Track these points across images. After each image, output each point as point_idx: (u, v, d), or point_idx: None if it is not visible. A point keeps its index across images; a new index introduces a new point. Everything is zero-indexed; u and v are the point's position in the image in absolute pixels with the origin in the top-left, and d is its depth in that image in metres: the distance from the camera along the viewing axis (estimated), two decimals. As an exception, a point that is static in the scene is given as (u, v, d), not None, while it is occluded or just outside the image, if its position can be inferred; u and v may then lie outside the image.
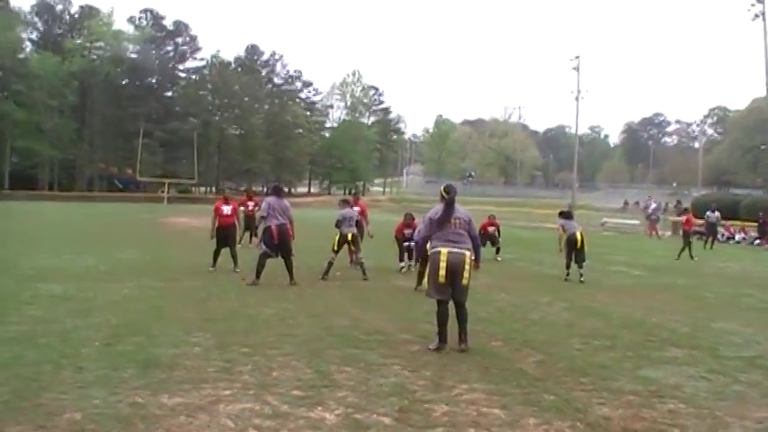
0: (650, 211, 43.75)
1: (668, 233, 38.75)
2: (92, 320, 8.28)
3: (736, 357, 7.49)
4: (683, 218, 24.68)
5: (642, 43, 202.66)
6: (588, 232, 15.69)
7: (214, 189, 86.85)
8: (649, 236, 36.35)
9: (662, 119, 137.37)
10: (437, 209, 7.48)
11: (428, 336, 7.77)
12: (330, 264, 13.17)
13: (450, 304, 7.35)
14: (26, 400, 5.10)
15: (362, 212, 15.66)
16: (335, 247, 13.34)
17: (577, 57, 64.66)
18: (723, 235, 34.65)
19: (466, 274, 7.24)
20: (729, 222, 35.55)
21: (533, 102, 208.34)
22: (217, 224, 13.99)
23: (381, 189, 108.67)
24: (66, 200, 57.99)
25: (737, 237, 34.97)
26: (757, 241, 33.17)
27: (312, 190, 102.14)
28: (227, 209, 14.13)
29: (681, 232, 24.83)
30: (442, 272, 7.17)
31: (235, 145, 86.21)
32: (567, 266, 14.42)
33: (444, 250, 7.24)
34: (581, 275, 14.05)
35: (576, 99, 64.02)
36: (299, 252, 12.92)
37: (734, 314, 10.70)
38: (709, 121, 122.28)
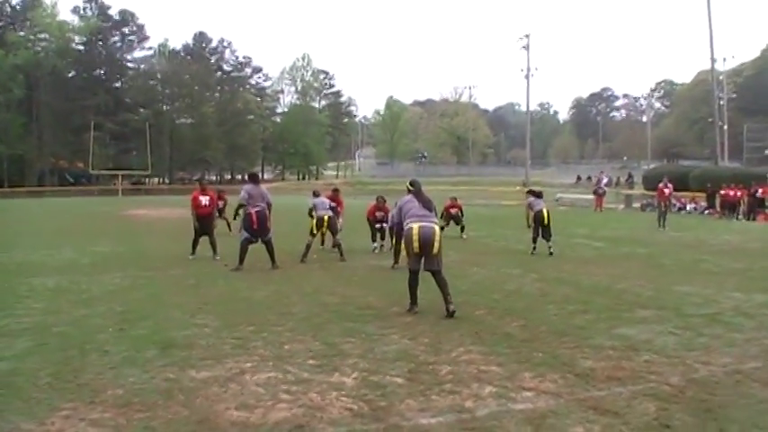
0: (601, 185, 44.84)
1: (621, 206, 39.95)
2: (96, 309, 8.70)
3: (698, 315, 8.28)
4: (660, 190, 25.57)
5: (589, 19, 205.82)
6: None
7: (167, 180, 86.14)
8: (595, 209, 37.41)
9: (610, 93, 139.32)
10: (407, 199, 8.65)
11: (416, 310, 8.42)
12: (308, 246, 13.73)
13: (429, 276, 8.37)
14: (68, 382, 5.57)
15: (339, 206, 16.19)
16: (313, 231, 13.89)
17: (527, 35, 65.55)
18: (675, 206, 35.92)
19: (436, 245, 8.23)
20: (680, 194, 36.78)
21: (483, 81, 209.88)
22: (196, 213, 14.30)
23: (335, 173, 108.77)
24: (16, 196, 57.10)
25: (689, 207, 36.17)
26: (707, 211, 34.42)
27: (266, 176, 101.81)
28: (204, 199, 14.39)
29: (656, 204, 25.56)
30: (416, 243, 8.21)
31: (187, 134, 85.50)
32: (534, 240, 15.19)
33: (416, 225, 8.26)
34: (549, 248, 14.84)
35: (527, 77, 64.89)
36: (279, 238, 13.39)
37: (693, 278, 11.53)
38: (657, 94, 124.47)
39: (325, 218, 13.94)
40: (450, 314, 7.97)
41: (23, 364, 6.10)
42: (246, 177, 13.54)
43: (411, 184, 8.89)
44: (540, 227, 15.10)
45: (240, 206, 12.68)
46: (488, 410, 4.87)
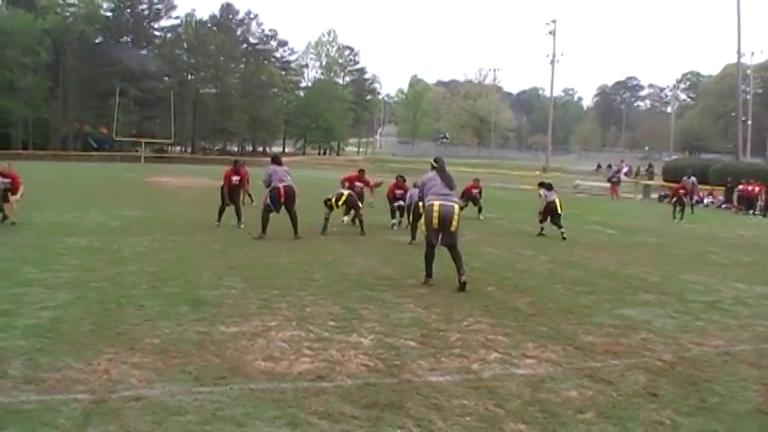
0: (620, 174, 44.73)
1: (639, 196, 40.04)
2: (129, 268, 9.27)
3: (698, 301, 8.72)
4: (680, 186, 25.93)
5: (617, 7, 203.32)
6: (561, 194, 16.93)
7: (190, 149, 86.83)
8: (611, 198, 37.49)
9: (635, 83, 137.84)
10: (430, 175, 9.07)
11: (431, 282, 8.96)
12: (326, 220, 14.27)
13: (444, 253, 8.86)
14: (108, 330, 6.11)
15: (367, 184, 17.48)
16: (334, 206, 14.38)
17: (553, 21, 65.59)
18: (693, 198, 36.05)
19: (455, 223, 8.69)
20: (699, 186, 36.88)
21: (508, 64, 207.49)
22: (227, 187, 15.06)
23: (356, 149, 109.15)
24: (40, 159, 57.93)
25: (706, 200, 36.07)
26: (724, 205, 34.47)
27: (287, 149, 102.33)
28: (235, 178, 15.18)
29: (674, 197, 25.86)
30: (435, 220, 8.69)
31: (210, 104, 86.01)
32: (541, 222, 15.91)
33: (437, 203, 8.71)
34: (562, 234, 15.26)
35: (552, 63, 65.14)
36: (300, 210, 13.90)
37: (699, 268, 11.93)
38: (682, 86, 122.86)
39: (345, 194, 14.42)
40: (462, 285, 8.49)
41: (66, 313, 6.66)
42: (270, 159, 14.19)
43: (435, 161, 9.26)
44: (552, 215, 15.58)
45: (267, 182, 13.26)
46: (492, 373, 5.36)
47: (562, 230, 15.32)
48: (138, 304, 7.13)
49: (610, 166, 58.88)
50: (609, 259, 12.41)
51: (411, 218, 13.30)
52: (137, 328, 6.23)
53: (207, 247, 11.70)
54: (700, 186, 35.76)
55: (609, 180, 41.06)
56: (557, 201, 15.74)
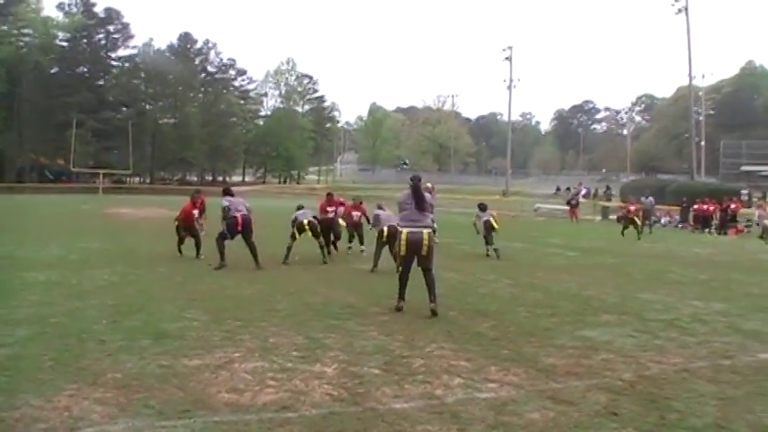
0: (579, 196, 45.40)
1: (598, 218, 40.66)
2: (89, 302, 9.16)
3: (657, 320, 8.91)
4: (628, 205, 26.69)
5: (573, 32, 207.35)
6: (522, 218, 17.25)
7: (148, 179, 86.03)
8: (570, 220, 37.97)
9: (591, 106, 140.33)
10: (404, 197, 9.11)
11: (402, 305, 9.06)
12: (289, 249, 14.24)
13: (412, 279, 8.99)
14: (69, 366, 6.04)
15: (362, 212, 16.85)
16: (295, 235, 14.35)
17: (509, 47, 66.66)
18: (651, 219, 36.66)
19: (424, 247, 8.75)
20: (656, 206, 37.54)
21: (466, 90, 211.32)
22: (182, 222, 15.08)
23: (317, 177, 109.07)
24: (-5, 191, 56.96)
25: (663, 220, 36.91)
26: (681, 224, 35.23)
27: (247, 179, 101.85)
28: (195, 212, 15.15)
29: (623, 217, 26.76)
30: (403, 248, 8.79)
31: (169, 134, 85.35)
32: (486, 243, 16.63)
33: (405, 231, 8.83)
34: (494, 251, 16.17)
35: (509, 88, 66.08)
36: (261, 240, 13.88)
37: (658, 287, 12.17)
38: (637, 108, 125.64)
39: (305, 222, 14.40)
40: (433, 313, 8.56)
41: (26, 350, 6.57)
42: (223, 191, 14.29)
43: (411, 179, 9.31)
44: (488, 233, 16.48)
45: (225, 210, 13.32)
46: (456, 398, 5.43)
47: (493, 248, 16.19)
48: (98, 339, 7.06)
49: (569, 189, 59.79)
50: (570, 281, 12.60)
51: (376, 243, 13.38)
52: (98, 362, 6.17)
53: (168, 279, 11.62)
54: (657, 206, 36.46)
55: (568, 203, 41.60)
56: (491, 220, 16.63)
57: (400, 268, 8.99)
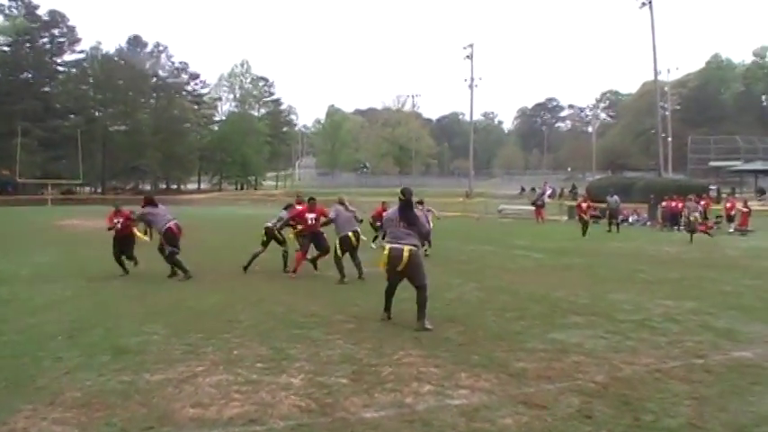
0: (544, 197, 45.83)
1: (564, 218, 41.04)
2: (43, 318, 9.03)
3: (628, 320, 9.07)
4: (579, 202, 27.22)
5: (535, 29, 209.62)
6: (486, 219, 17.39)
7: (100, 189, 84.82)
8: (536, 221, 38.20)
9: (555, 104, 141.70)
10: (391, 213, 9.04)
11: (360, 316, 9.15)
12: (254, 256, 14.14)
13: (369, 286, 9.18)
14: (24, 386, 5.95)
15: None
16: (264, 241, 14.29)
17: (471, 45, 67.22)
18: (618, 218, 37.03)
19: (403, 263, 8.56)
20: (623, 205, 37.75)
21: (427, 90, 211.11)
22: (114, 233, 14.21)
23: (274, 183, 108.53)
24: (-63, 205, 55.66)
25: (631, 218, 37.05)
26: (649, 222, 35.55)
27: (202, 186, 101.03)
28: (116, 220, 14.16)
29: (577, 216, 27.42)
30: (383, 264, 8.74)
31: (120, 142, 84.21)
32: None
33: (387, 246, 8.74)
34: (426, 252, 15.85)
35: (470, 87, 66.62)
36: (214, 250, 13.80)
37: (627, 287, 12.36)
38: (602, 105, 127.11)
39: (265, 228, 14.35)
40: (420, 329, 8.29)
41: (-24, 371, 6.44)
42: (145, 200, 13.98)
43: (402, 193, 8.94)
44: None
45: (149, 222, 13.70)
46: (427, 405, 5.47)
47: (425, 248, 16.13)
48: (55, 356, 6.97)
49: (534, 189, 60.38)
50: (538, 283, 12.74)
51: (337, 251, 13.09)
52: (56, 381, 6.09)
53: (125, 292, 11.49)
54: (624, 205, 36.85)
55: (533, 203, 41.89)
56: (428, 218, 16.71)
57: (387, 279, 8.97)
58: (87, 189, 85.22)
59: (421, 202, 16.07)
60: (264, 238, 14.27)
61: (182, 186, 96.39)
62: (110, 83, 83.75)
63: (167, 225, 13.10)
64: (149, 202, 13.84)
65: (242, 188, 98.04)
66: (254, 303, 10.28)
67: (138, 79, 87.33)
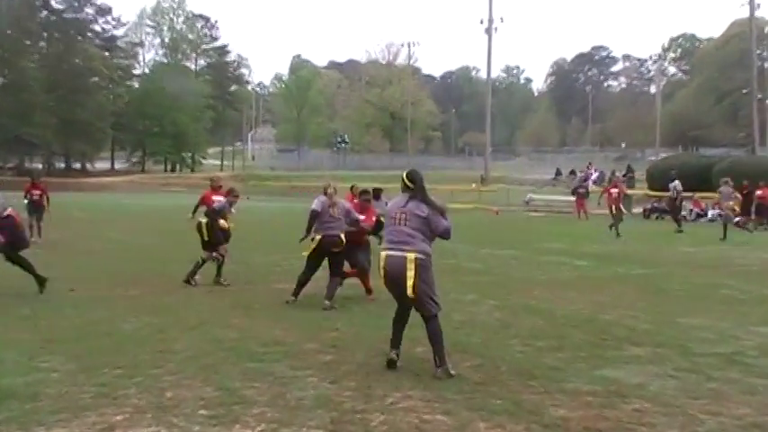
0: (588, 183, 45.61)
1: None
2: None
3: (709, 354, 9.09)
4: (608, 188, 27.69)
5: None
6: (509, 213, 17.45)
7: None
8: (577, 216, 38.33)
9: (605, 54, 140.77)
10: (394, 204, 8.59)
11: (338, 345, 9.19)
12: (198, 264, 14.20)
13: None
14: None
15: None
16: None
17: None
18: (691, 211, 37.00)
19: (409, 282, 7.98)
20: (699, 195, 37.64)
21: (427, 37, 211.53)
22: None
23: (218, 162, 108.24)
24: None
25: (711, 213, 37.02)
26: (737, 219, 32.68)
27: (117, 166, 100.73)
28: (36, 193, 15.21)
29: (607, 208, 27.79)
30: (382, 279, 8.41)
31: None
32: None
33: (383, 254, 8.35)
34: None
35: (488, 32, 66.30)
36: (137, 255, 13.78)
37: (705, 307, 12.47)
38: (671, 55, 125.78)
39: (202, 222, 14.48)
40: (442, 375, 7.97)
41: None
42: None
43: (410, 178, 8.41)
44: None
45: None
46: (434, 470, 5.51)
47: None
48: None
49: (573, 173, 60.28)
50: (579, 301, 12.88)
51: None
52: None
53: (8, 311, 11.43)
54: (700, 195, 36.47)
55: (573, 191, 41.86)
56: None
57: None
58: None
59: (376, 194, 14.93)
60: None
61: (88, 165, 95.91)
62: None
63: (8, 212, 12.98)
64: None
65: (174, 169, 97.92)
66: (195, 327, 10.32)
67: (21, 12, 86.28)
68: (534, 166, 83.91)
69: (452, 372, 7.94)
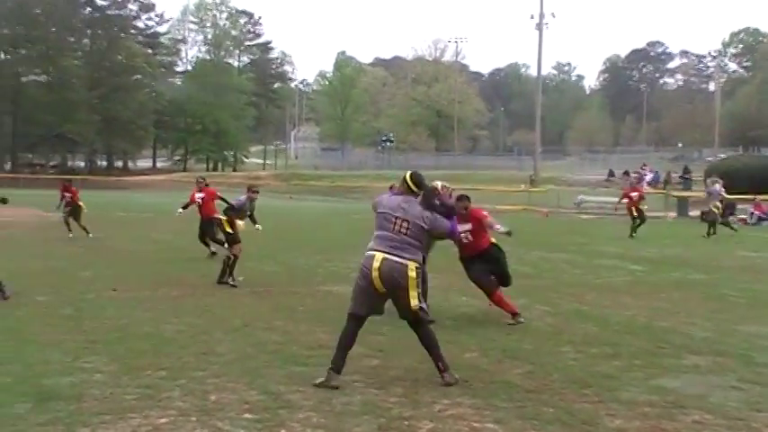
0: (642, 183, 45.21)
1: (672, 214, 40.70)
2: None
3: (773, 364, 8.97)
4: (627, 191, 28.52)
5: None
6: (559, 216, 17.37)
7: (9, 165, 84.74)
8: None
9: (661, 50, 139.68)
10: (394, 199, 8.21)
11: (385, 349, 9.19)
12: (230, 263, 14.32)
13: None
14: None
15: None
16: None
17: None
18: (753, 215, 36.34)
19: (412, 293, 7.80)
20: (761, 197, 36.85)
21: (475, 33, 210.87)
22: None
23: (261, 161, 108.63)
24: None
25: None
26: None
27: (159, 164, 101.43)
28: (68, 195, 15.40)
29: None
30: (376, 282, 7.82)
31: (39, 98, 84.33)
32: None
33: (378, 255, 7.84)
34: None
35: (539, 27, 66.03)
36: (179, 255, 13.88)
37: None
38: (731, 51, 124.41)
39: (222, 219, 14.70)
40: (452, 379, 7.90)
41: None
42: None
43: (416, 183, 8.13)
44: None
45: None
46: (485, 478, 5.50)
47: None
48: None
49: (627, 174, 59.85)
50: (634, 307, 12.76)
51: None
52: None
53: (52, 312, 11.60)
54: (762, 197, 35.78)
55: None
56: None
57: (348, 314, 8.12)
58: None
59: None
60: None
61: (129, 164, 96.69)
62: (23, 13, 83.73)
63: None
64: None
65: (216, 168, 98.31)
66: (238, 329, 10.40)
67: (65, 9, 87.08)
68: (586, 166, 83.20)
69: (456, 376, 7.83)
